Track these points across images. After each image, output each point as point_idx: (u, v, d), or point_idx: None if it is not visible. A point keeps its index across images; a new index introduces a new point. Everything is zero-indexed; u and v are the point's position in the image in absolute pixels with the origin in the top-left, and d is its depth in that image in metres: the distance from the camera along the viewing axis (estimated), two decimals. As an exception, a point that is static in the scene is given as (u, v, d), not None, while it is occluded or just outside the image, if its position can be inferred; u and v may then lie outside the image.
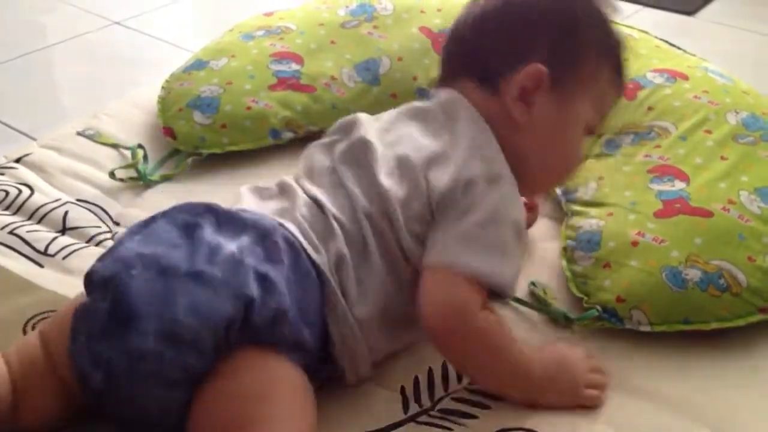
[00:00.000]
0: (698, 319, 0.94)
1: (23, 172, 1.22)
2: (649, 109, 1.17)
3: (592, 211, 1.07)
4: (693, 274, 0.95)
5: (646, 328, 0.94)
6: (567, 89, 0.92)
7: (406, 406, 0.87)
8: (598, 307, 0.96)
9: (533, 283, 1.02)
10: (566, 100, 0.92)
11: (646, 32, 1.36)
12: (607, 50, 0.96)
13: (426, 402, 0.87)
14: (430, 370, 0.90)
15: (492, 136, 0.89)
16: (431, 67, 1.30)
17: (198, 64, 1.36)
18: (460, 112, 0.90)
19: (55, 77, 1.69)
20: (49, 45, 1.77)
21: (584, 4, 0.96)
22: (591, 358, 0.90)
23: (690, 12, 1.94)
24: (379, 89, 1.33)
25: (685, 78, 1.21)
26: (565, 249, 1.04)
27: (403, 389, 0.88)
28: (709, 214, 1.00)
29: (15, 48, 1.73)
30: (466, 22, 0.95)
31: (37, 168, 1.23)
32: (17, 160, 1.25)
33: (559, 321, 0.98)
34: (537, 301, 1.00)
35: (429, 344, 0.88)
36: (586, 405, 0.86)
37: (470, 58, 0.94)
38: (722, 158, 1.08)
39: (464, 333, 0.81)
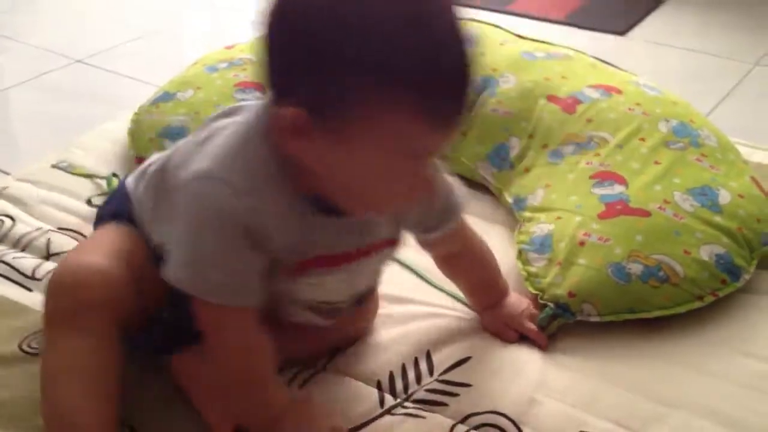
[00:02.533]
0: (642, 309, 1.04)
1: (3, 205, 1.27)
2: (588, 121, 1.26)
3: (542, 216, 1.16)
4: (635, 268, 1.05)
5: (596, 319, 1.04)
6: (340, 133, 0.71)
7: (382, 400, 0.94)
8: (551, 305, 1.04)
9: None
10: (344, 143, 0.72)
11: (582, 52, 1.46)
12: (397, 79, 0.67)
13: (401, 394, 0.94)
14: (404, 366, 0.97)
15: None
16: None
17: (165, 96, 1.43)
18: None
19: (19, 116, 1.73)
20: (11, 85, 1.81)
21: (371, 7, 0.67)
22: (334, 417, 0.90)
23: (620, 32, 2.07)
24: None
25: (619, 92, 1.31)
26: (520, 252, 1.13)
27: (379, 384, 0.95)
28: (647, 213, 1.10)
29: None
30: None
31: (16, 200, 1.29)
32: (-5, 194, 1.30)
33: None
34: None
35: (403, 340, 0.98)
36: None
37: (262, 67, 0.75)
38: (656, 163, 1.18)
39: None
